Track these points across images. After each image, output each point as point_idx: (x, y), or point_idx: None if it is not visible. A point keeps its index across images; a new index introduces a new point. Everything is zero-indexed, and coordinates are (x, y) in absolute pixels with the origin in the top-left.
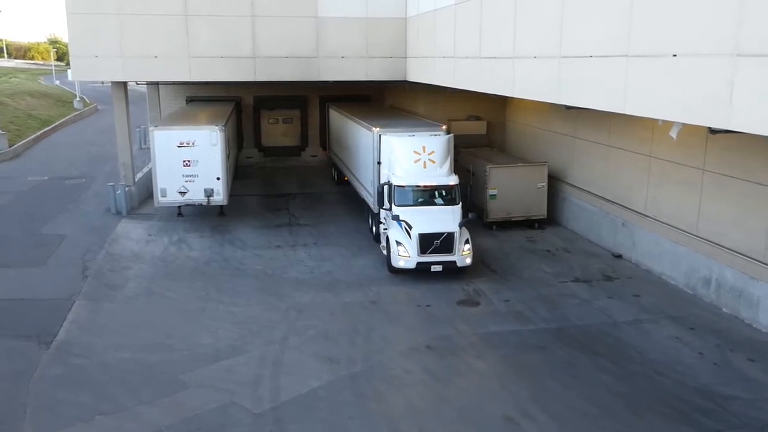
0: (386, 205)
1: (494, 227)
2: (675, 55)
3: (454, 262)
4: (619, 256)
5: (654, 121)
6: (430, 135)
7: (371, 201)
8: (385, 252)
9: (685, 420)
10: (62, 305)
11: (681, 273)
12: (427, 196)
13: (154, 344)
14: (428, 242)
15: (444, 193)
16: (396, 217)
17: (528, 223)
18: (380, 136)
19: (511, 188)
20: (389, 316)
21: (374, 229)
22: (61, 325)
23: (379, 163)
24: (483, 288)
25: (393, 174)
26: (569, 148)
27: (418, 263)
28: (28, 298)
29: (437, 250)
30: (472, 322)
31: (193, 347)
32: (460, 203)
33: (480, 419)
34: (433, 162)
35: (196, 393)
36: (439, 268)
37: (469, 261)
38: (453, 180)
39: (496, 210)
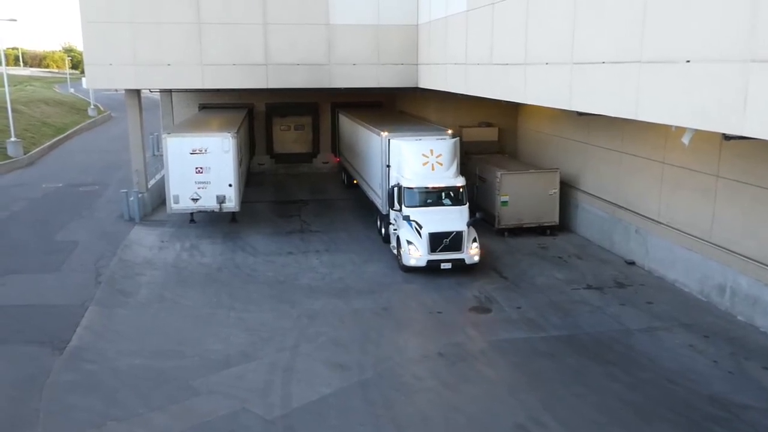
0: (396, 206)
1: (506, 234)
2: (688, 61)
3: (463, 259)
4: (632, 263)
5: (667, 127)
6: (437, 139)
7: (380, 203)
8: (395, 252)
9: (698, 429)
10: (75, 311)
11: (695, 280)
12: (435, 197)
13: (165, 350)
14: (438, 241)
15: (452, 194)
16: (407, 218)
17: (540, 230)
18: (389, 140)
19: (522, 195)
20: (400, 323)
21: (383, 230)
22: (74, 331)
23: (388, 166)
24: (494, 295)
25: (402, 176)
26: (581, 155)
27: (429, 261)
28: (41, 304)
29: (447, 249)
30: (483, 329)
31: (205, 353)
32: (467, 203)
33: (490, 427)
34: (441, 164)
35: (207, 399)
36: (448, 265)
37: (477, 259)
38: (460, 181)
39: (507, 216)
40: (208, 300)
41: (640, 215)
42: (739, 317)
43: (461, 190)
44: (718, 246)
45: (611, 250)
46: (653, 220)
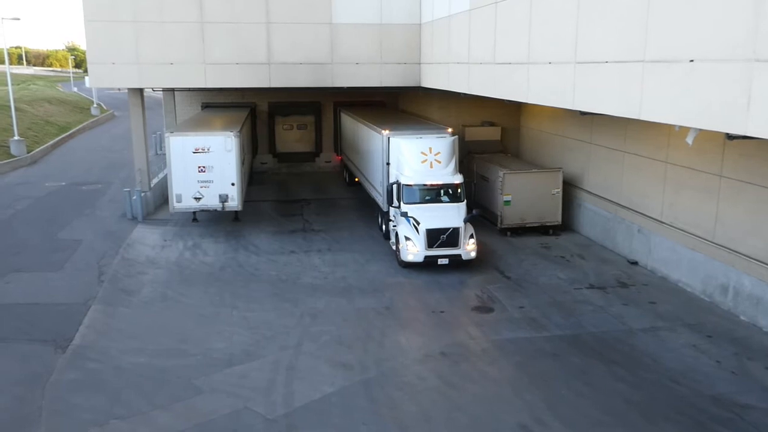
0: (395, 203)
1: (508, 233)
2: (692, 61)
3: (460, 255)
4: (635, 263)
5: (670, 126)
6: (436, 137)
7: (380, 200)
8: (394, 248)
9: (701, 429)
10: (78, 310)
11: (698, 280)
12: (433, 194)
13: (168, 349)
14: (435, 237)
15: (450, 191)
16: (405, 214)
17: (542, 230)
18: (389, 138)
19: (525, 194)
20: (403, 322)
21: (384, 227)
22: (77, 330)
23: (388, 163)
24: (497, 294)
25: (402, 174)
26: (584, 154)
27: (426, 257)
28: (44, 302)
29: (443, 245)
30: (486, 328)
31: (208, 352)
32: (465, 200)
33: (493, 427)
34: (439, 162)
35: (210, 398)
36: (445, 261)
37: (473, 255)
38: (458, 179)
39: (510, 216)
40: (210, 299)
41: (643, 215)
42: (742, 317)
43: (459, 187)
44: (722, 246)
45: (614, 250)
46: (656, 219)
